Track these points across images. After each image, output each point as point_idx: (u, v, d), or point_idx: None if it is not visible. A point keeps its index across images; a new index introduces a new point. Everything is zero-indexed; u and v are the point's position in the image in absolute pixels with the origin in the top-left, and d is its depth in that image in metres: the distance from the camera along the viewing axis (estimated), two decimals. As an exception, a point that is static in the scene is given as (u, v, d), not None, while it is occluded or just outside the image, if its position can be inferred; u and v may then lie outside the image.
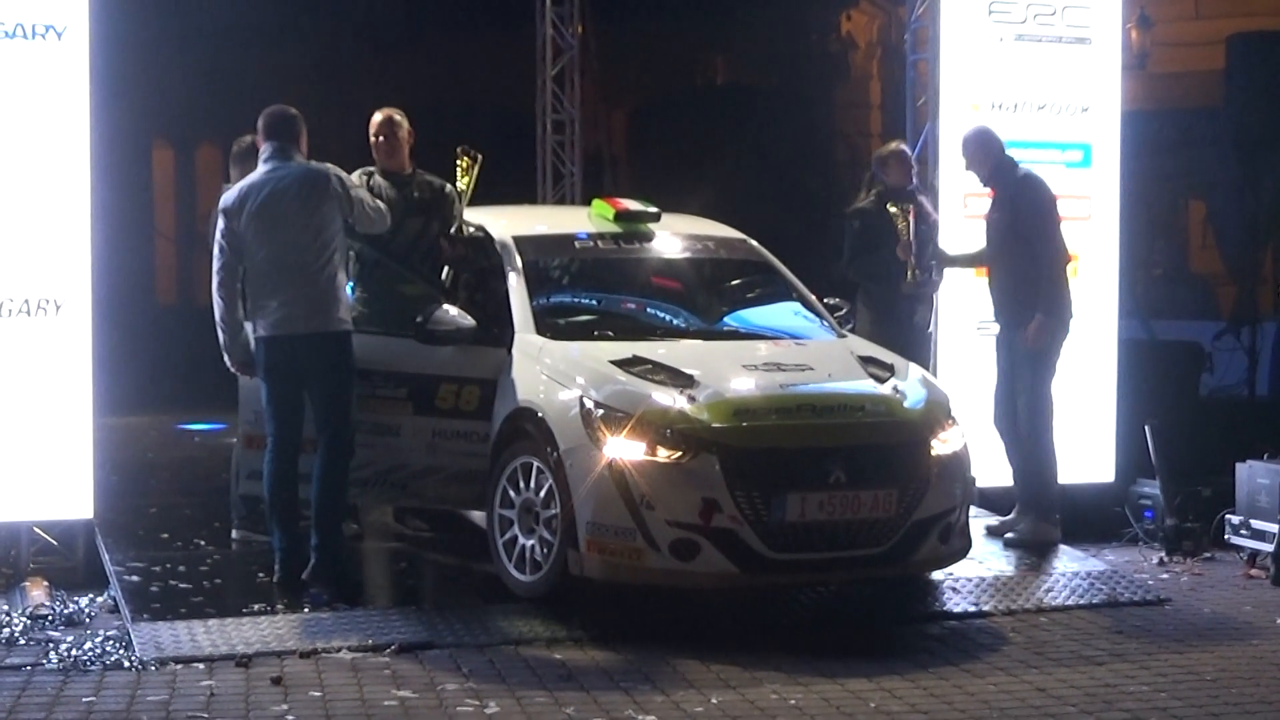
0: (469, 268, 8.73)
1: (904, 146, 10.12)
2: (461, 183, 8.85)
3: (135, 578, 8.09)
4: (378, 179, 8.68)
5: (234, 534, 8.89)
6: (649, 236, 8.96)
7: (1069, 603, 8.19)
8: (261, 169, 7.94)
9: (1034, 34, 9.99)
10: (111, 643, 7.20)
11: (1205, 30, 15.64)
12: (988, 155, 9.19)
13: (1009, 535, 9.15)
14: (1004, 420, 9.24)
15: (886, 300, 9.77)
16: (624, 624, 7.52)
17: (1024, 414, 9.11)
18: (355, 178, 8.49)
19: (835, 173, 20.33)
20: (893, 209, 9.64)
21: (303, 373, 7.84)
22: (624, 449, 7.44)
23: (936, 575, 8.31)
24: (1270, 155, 12.91)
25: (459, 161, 8.82)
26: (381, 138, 8.75)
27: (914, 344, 9.53)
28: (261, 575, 8.08)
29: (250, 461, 8.30)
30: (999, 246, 9.20)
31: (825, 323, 8.82)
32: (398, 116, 8.80)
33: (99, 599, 7.95)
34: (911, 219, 9.62)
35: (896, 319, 9.72)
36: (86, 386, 8.19)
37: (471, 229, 8.82)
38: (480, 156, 8.87)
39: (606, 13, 17.16)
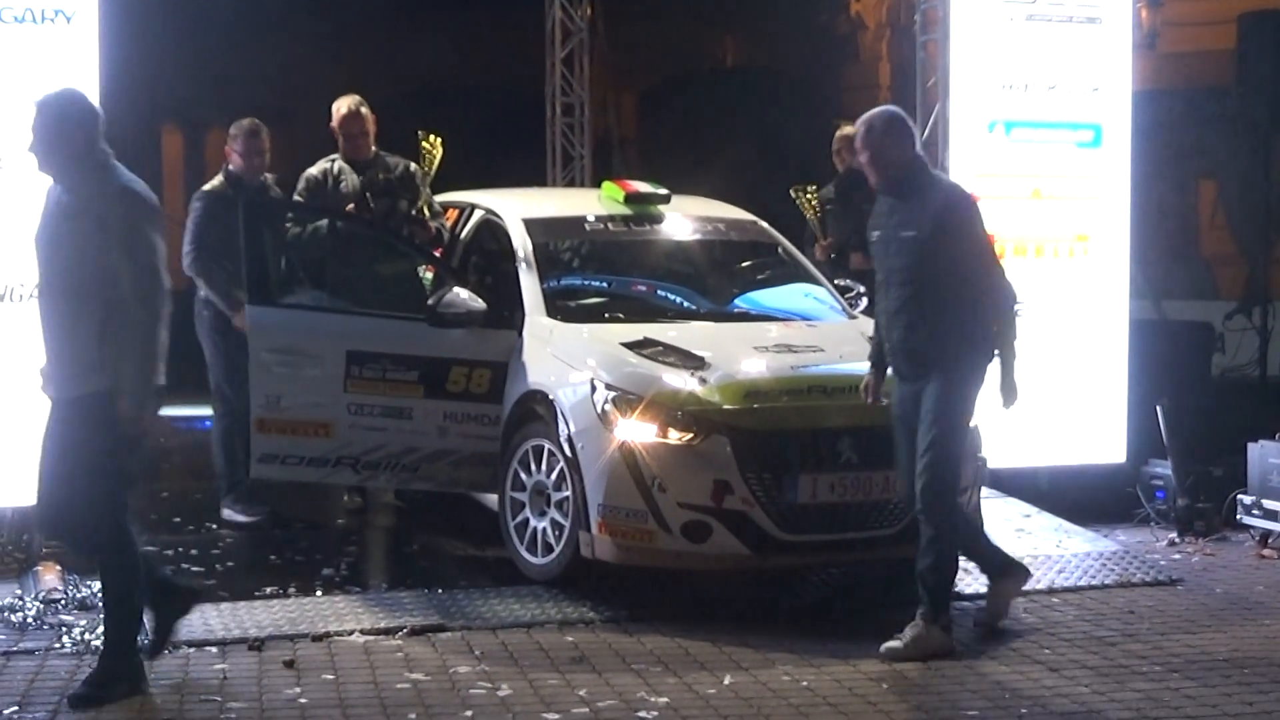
0: (439, 245, 8.99)
1: (849, 128, 8.94)
2: (426, 165, 9.12)
3: (147, 562, 8.11)
4: (341, 164, 9.00)
5: (223, 513, 9.01)
6: (659, 218, 8.97)
7: (1081, 583, 8.18)
8: None
9: (1044, 14, 9.95)
10: (124, 626, 7.21)
11: (1216, 9, 15.56)
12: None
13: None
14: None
15: None
16: (636, 606, 7.53)
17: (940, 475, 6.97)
18: (320, 165, 8.97)
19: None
20: (793, 193, 9.93)
21: None
22: (635, 431, 7.44)
23: (948, 556, 8.30)
24: (1282, 135, 12.90)
25: (424, 144, 9.04)
26: (351, 130, 9.03)
27: None
28: (273, 558, 8.10)
29: (262, 445, 8.26)
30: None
31: (836, 304, 8.81)
32: (364, 109, 9.09)
33: (111, 583, 7.96)
34: (816, 202, 9.97)
35: None
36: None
37: (436, 208, 9.18)
38: (440, 140, 9.16)
39: (615, -6, 17.19)
